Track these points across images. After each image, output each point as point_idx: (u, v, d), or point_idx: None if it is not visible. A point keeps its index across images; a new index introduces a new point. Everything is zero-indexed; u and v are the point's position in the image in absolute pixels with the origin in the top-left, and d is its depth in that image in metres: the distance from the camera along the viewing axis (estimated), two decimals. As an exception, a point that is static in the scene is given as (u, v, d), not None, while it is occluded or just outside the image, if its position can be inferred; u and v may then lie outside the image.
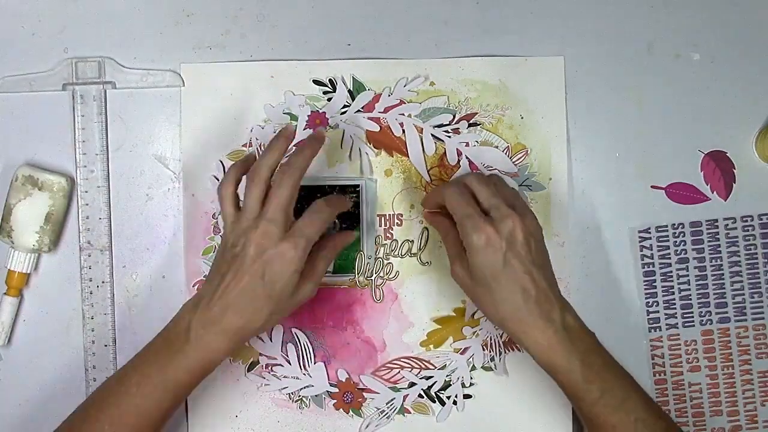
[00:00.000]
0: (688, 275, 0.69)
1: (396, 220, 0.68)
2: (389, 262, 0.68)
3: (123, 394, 0.57)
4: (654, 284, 0.68)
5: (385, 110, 0.68)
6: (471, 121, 0.68)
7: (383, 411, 0.68)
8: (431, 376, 0.68)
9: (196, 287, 0.67)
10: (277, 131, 0.63)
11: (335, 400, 0.68)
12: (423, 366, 0.68)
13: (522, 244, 0.57)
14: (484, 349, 0.68)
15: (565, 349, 0.57)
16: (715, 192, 0.69)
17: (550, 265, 0.60)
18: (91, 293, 0.67)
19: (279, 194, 0.57)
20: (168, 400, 0.57)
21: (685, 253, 0.69)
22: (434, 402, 0.68)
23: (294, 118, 0.67)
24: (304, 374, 0.68)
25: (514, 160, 0.68)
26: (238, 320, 0.57)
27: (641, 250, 0.68)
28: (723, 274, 0.69)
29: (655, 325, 0.68)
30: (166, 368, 0.57)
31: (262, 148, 0.67)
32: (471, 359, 0.68)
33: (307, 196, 0.66)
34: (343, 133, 0.68)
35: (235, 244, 0.57)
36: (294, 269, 0.57)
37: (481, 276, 0.58)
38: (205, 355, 0.57)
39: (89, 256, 0.67)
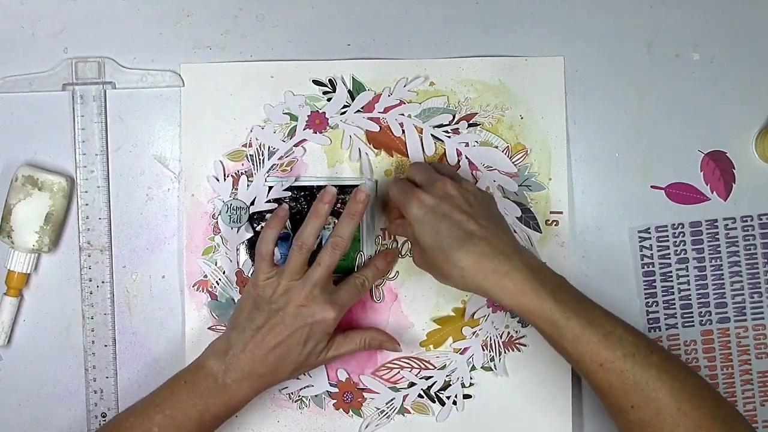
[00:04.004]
0: (687, 275, 0.69)
1: (396, 220, 0.68)
2: (389, 262, 0.68)
3: None
4: (653, 284, 0.68)
5: (385, 110, 0.68)
6: (471, 122, 0.68)
7: (383, 411, 0.68)
8: (431, 376, 0.68)
9: (196, 287, 0.67)
10: (319, 192, 0.63)
11: (335, 400, 0.68)
12: (423, 366, 0.68)
13: (458, 197, 0.58)
14: (483, 349, 0.68)
15: (533, 288, 0.55)
16: (714, 192, 0.69)
17: (504, 223, 0.61)
18: (91, 293, 0.67)
19: (327, 263, 0.61)
20: None
21: (685, 253, 0.69)
22: (434, 402, 0.68)
23: (294, 118, 0.67)
24: (304, 374, 0.68)
25: (513, 160, 0.68)
26: (267, 372, 0.60)
27: (641, 250, 0.68)
28: (723, 274, 0.69)
29: (654, 325, 0.68)
30: (191, 411, 0.58)
31: (262, 148, 0.67)
32: (471, 359, 0.68)
33: (308, 195, 0.67)
34: (343, 133, 0.68)
35: (274, 300, 0.60)
36: (328, 332, 0.61)
37: (430, 243, 0.57)
38: (232, 402, 0.60)
39: (89, 256, 0.67)
